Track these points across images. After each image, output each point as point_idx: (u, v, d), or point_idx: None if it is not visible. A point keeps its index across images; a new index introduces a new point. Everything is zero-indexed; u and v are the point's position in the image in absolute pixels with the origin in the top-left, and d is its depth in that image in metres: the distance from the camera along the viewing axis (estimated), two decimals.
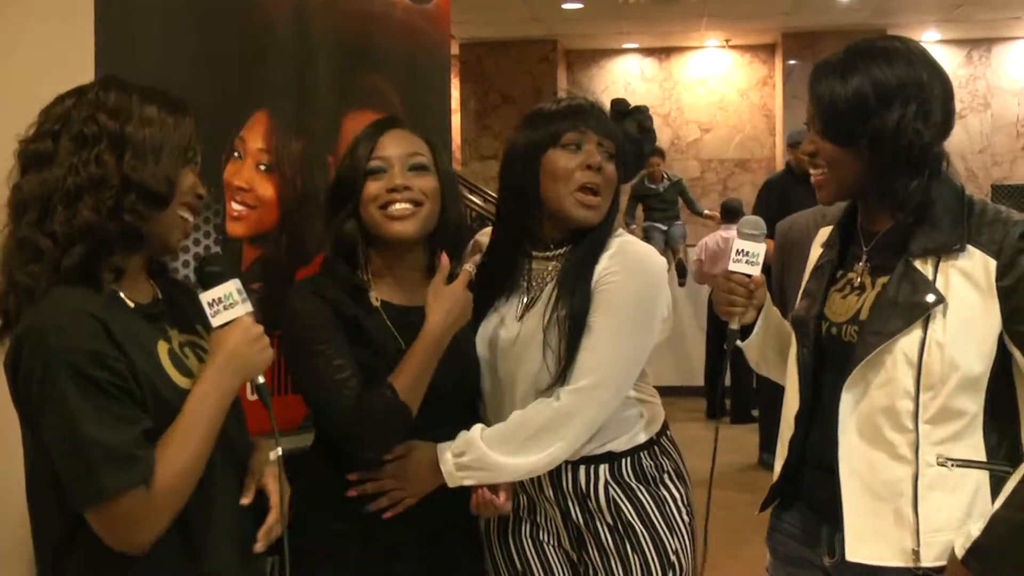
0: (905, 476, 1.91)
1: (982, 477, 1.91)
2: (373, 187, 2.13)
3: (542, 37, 12.20)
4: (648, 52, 13.05)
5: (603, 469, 2.24)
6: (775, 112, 12.58)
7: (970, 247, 1.90)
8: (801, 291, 2.18)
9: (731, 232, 8.29)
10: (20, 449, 1.72)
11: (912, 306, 1.90)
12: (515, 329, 2.22)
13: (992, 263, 1.88)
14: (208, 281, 1.78)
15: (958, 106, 9.46)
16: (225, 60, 2.37)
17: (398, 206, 2.12)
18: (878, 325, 1.93)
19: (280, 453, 1.83)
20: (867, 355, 1.93)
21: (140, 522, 1.62)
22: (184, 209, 1.78)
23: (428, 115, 3.06)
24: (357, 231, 2.15)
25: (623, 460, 2.25)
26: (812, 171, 2.04)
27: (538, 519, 2.30)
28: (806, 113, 2.04)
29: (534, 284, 2.26)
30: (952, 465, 1.90)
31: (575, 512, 2.25)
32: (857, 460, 1.95)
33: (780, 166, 9.98)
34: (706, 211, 9.75)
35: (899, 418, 1.91)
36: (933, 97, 1.93)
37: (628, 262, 2.21)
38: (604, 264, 2.20)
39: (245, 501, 1.83)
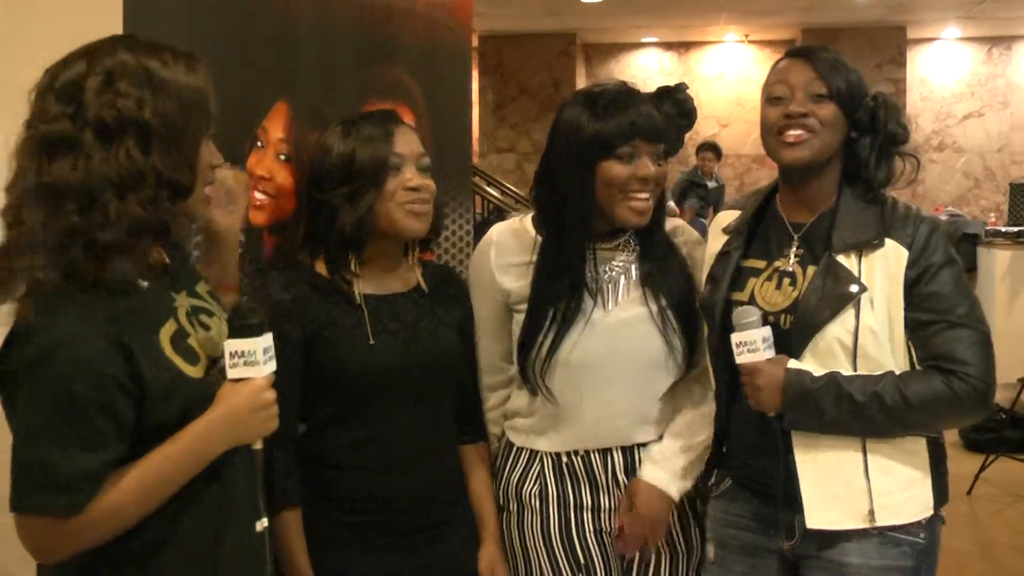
0: (855, 448, 2.10)
1: (919, 440, 2.12)
2: (393, 183, 2.17)
3: (561, 30, 12.21)
4: (667, 46, 13.05)
5: None
6: None
7: (887, 239, 2.08)
8: (705, 276, 2.32)
9: None
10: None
11: (837, 296, 2.08)
12: (613, 315, 2.29)
13: (904, 253, 2.07)
14: (241, 331, 1.71)
15: (978, 104, 9.40)
16: (248, 50, 2.38)
17: (418, 206, 2.18)
18: (809, 317, 2.10)
19: (266, 524, 1.77)
20: (806, 344, 2.09)
21: (50, 543, 1.59)
22: (205, 183, 1.74)
23: (449, 108, 3.08)
24: (374, 225, 2.18)
25: None
26: (792, 132, 2.13)
27: (601, 503, 2.33)
28: (796, 81, 2.14)
29: (609, 272, 2.32)
30: None
31: None
32: (809, 439, 2.11)
33: None
34: None
35: None
36: None
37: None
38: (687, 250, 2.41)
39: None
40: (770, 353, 2.07)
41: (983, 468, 5.85)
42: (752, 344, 2.07)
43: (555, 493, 2.32)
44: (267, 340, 1.71)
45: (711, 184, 9.93)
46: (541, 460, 2.34)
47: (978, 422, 6.50)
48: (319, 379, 2.14)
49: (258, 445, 1.74)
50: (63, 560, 1.60)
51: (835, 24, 11.63)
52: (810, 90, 2.12)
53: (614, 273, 2.31)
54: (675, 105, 2.30)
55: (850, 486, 2.10)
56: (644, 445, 2.33)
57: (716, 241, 2.34)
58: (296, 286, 2.18)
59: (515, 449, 2.39)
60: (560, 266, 2.28)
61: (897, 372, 2.06)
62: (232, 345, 1.69)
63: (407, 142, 2.22)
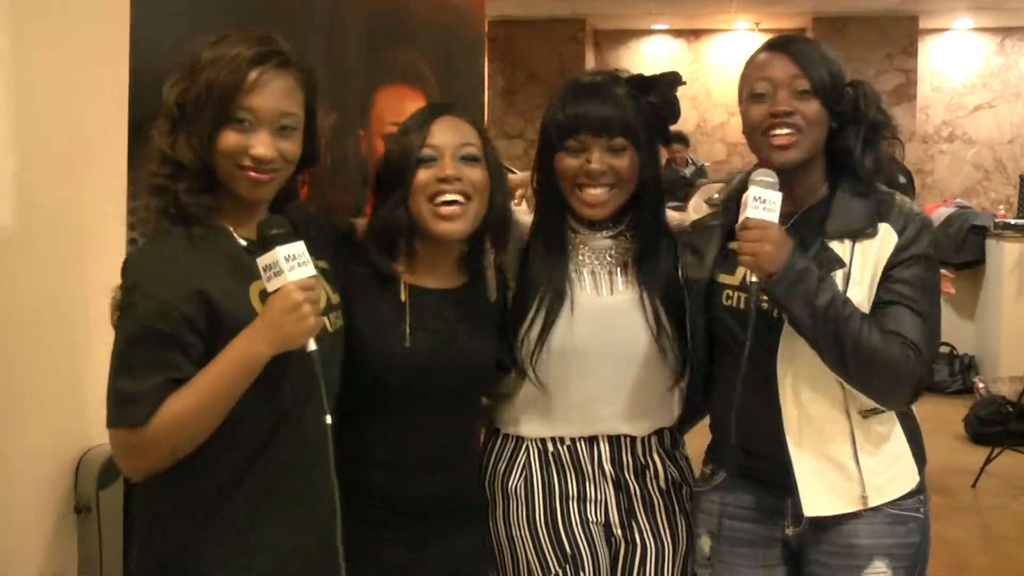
0: (842, 432, 2.14)
1: (892, 418, 2.18)
2: (423, 176, 2.11)
3: (571, 16, 12.17)
4: (677, 34, 13.00)
5: (654, 440, 2.35)
6: None
7: (881, 224, 2.11)
8: (683, 244, 2.32)
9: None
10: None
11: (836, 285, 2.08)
12: (601, 302, 2.29)
13: (895, 238, 2.10)
14: (263, 245, 1.81)
15: (989, 95, 9.32)
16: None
17: (448, 198, 2.10)
18: None
19: (329, 422, 1.84)
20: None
21: (128, 454, 1.81)
22: (238, 167, 1.84)
23: (460, 91, 3.07)
24: (406, 221, 2.13)
25: (666, 432, 2.38)
26: (778, 132, 2.12)
27: (588, 494, 2.32)
28: (778, 77, 2.13)
29: (601, 261, 2.31)
30: (867, 414, 2.14)
31: (632, 483, 2.32)
32: (798, 424, 2.14)
33: None
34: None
35: (828, 379, 2.10)
36: None
37: None
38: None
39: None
40: (776, 218, 2.04)
41: (988, 461, 5.85)
42: (770, 203, 2.04)
43: (541, 483, 2.31)
44: (289, 248, 1.80)
45: (688, 171, 9.82)
46: (527, 449, 2.33)
47: (984, 415, 6.53)
48: (349, 368, 2.08)
49: (311, 347, 1.82)
50: (144, 472, 1.83)
51: (846, 13, 11.57)
52: (793, 87, 2.11)
53: (607, 261, 2.31)
54: (658, 96, 2.28)
55: (842, 472, 2.13)
56: (632, 437, 2.32)
57: (697, 215, 2.35)
58: (348, 266, 2.14)
59: (500, 437, 2.38)
60: (543, 251, 2.29)
61: None
62: (260, 261, 1.80)
63: (446, 132, 2.15)
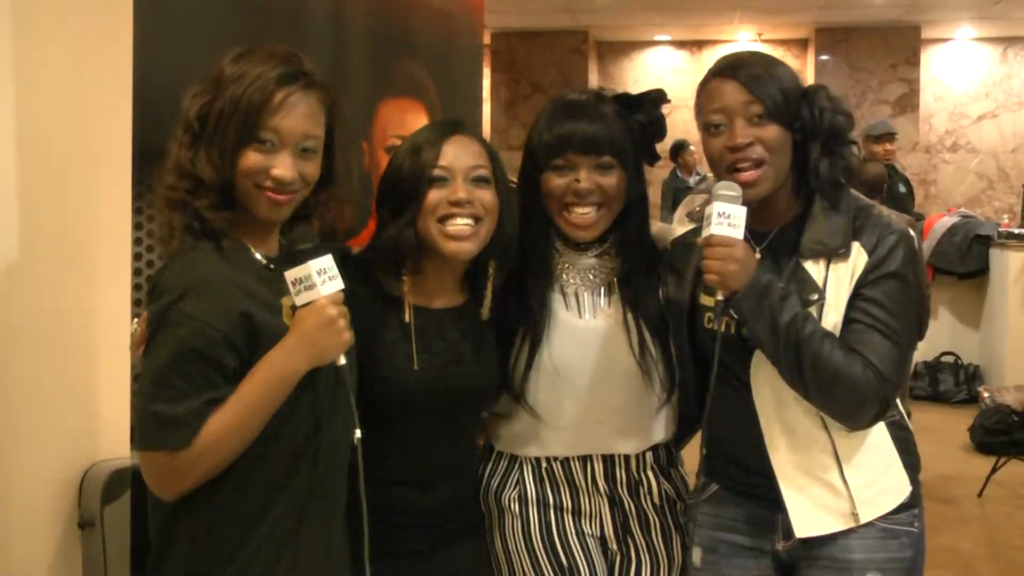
0: (826, 451, 2.11)
1: (880, 429, 2.13)
2: (434, 196, 2.09)
3: (574, 28, 12.19)
4: (680, 44, 13.01)
5: (649, 456, 2.33)
6: None
7: (853, 243, 2.06)
8: (664, 263, 2.29)
9: None
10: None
11: (800, 303, 2.04)
12: (586, 323, 2.27)
13: (865, 259, 2.05)
14: (294, 259, 1.81)
15: (992, 105, 9.35)
16: (260, 43, 2.38)
17: (459, 221, 2.09)
18: None
19: (360, 436, 1.84)
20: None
21: (167, 476, 1.77)
22: (258, 187, 1.83)
23: (460, 103, 3.08)
24: (415, 241, 2.10)
25: (660, 448, 2.36)
26: (742, 167, 2.06)
27: (583, 507, 2.31)
28: (731, 105, 2.07)
29: (586, 280, 2.29)
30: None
31: (626, 499, 2.32)
32: (783, 447, 2.12)
33: None
34: None
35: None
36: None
37: None
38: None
39: None
40: (741, 234, 2.00)
41: (994, 470, 5.83)
42: (735, 218, 1.99)
43: (535, 496, 2.30)
44: (321, 262, 1.80)
45: (693, 180, 9.69)
46: (521, 466, 2.32)
47: (990, 424, 6.52)
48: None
49: (342, 360, 1.84)
50: (181, 493, 1.78)
51: (849, 23, 11.58)
52: (747, 114, 2.06)
53: (590, 281, 2.29)
54: (645, 114, 2.26)
55: (830, 490, 2.11)
56: (626, 455, 2.31)
57: (681, 227, 2.31)
58: (350, 286, 2.11)
59: (495, 453, 2.37)
60: (528, 274, 2.27)
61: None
62: (290, 275, 1.80)
63: (458, 153, 2.12)
